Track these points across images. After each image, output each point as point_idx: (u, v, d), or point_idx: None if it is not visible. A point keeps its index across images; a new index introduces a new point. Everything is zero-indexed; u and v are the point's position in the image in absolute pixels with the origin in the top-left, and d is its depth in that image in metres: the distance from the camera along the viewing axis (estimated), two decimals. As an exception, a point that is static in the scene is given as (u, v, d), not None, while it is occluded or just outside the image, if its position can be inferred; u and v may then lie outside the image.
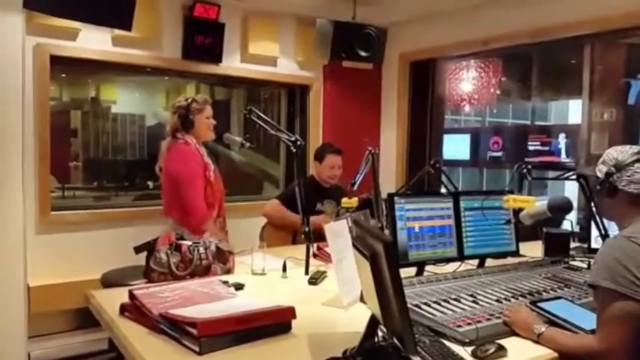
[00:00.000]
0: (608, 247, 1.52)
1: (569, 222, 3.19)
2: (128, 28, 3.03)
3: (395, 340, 1.35)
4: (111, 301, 1.85)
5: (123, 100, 4.48)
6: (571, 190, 3.42)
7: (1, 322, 3.08)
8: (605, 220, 2.28)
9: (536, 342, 1.56)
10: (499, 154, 4.45)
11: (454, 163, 4.98)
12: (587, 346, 1.46)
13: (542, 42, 3.81)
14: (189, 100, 2.99)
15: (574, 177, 2.28)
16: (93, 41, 3.62)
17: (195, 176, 2.88)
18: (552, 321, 1.63)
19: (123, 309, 1.77)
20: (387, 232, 2.32)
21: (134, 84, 4.51)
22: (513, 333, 1.62)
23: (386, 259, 1.25)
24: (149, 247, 2.28)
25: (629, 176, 1.53)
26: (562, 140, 4.00)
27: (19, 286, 3.17)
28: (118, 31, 3.54)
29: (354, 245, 1.47)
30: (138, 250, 2.30)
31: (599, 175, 1.60)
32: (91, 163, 4.17)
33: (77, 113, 4.16)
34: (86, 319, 2.03)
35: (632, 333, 1.40)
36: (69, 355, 3.51)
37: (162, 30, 3.86)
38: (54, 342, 3.54)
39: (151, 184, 4.27)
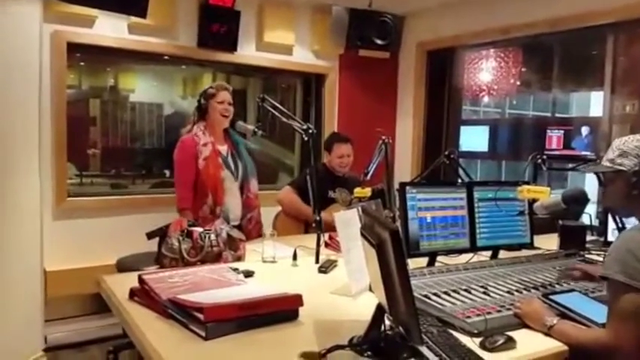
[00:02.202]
0: (622, 240, 1.48)
1: (588, 215, 3.13)
2: (143, 15, 3.04)
3: (401, 330, 1.33)
4: (121, 285, 1.87)
5: (141, 88, 4.50)
6: (591, 182, 3.35)
7: (18, 306, 3.13)
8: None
9: (547, 334, 1.53)
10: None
11: (472, 155, 4.92)
12: (598, 340, 1.43)
13: (563, 32, 3.72)
14: (207, 87, 3.02)
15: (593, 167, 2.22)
16: (109, 29, 3.64)
17: (180, 165, 2.93)
18: (564, 314, 1.61)
19: (132, 294, 1.78)
20: (398, 222, 2.30)
21: (152, 73, 4.53)
22: (524, 325, 1.60)
23: (392, 248, 1.23)
24: (161, 234, 2.30)
25: None
26: (585, 133, 3.92)
27: (35, 270, 3.22)
28: (134, 19, 3.55)
29: (362, 234, 1.45)
30: (150, 235, 2.31)
31: (627, 169, 1.53)
32: (109, 150, 4.21)
33: (96, 101, 4.19)
34: (101, 303, 2.05)
35: None
36: (85, 339, 3.57)
37: (177, 18, 3.87)
38: (70, 326, 3.60)
39: (167, 172, 4.31)
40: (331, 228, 2.28)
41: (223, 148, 3.05)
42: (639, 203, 1.58)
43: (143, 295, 1.74)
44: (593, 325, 1.54)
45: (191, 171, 2.90)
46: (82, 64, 4.01)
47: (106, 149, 4.18)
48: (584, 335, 1.49)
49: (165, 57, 4.03)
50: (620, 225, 2.22)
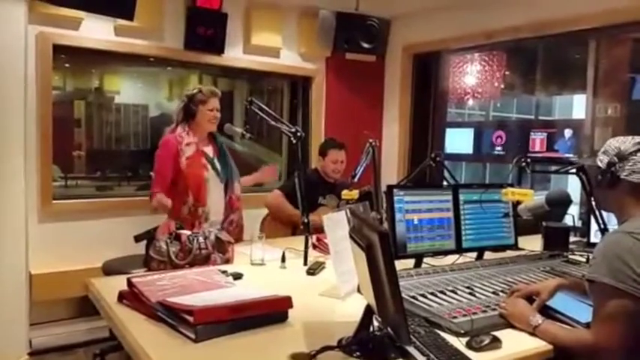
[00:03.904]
0: (608, 243, 1.49)
1: (571, 216, 3.19)
2: (130, 18, 3.03)
3: (389, 330, 1.35)
4: (110, 289, 1.87)
5: (126, 90, 4.47)
6: (574, 185, 3.41)
7: (2, 309, 3.10)
8: (604, 214, 2.28)
9: (532, 334, 1.56)
10: (501, 149, 4.44)
11: (457, 158, 4.97)
12: (582, 341, 1.46)
13: (546, 36, 3.79)
14: (196, 91, 3.00)
15: (574, 171, 2.27)
16: (96, 30, 3.62)
17: (159, 159, 2.91)
18: (549, 314, 1.64)
19: (121, 297, 1.78)
20: (386, 224, 2.32)
21: (137, 75, 4.51)
22: (509, 325, 1.62)
23: (381, 250, 1.25)
24: (149, 236, 2.30)
25: (631, 165, 1.52)
26: (568, 135, 3.98)
27: (20, 273, 3.19)
28: (120, 21, 3.54)
29: (350, 236, 1.47)
30: (138, 238, 2.31)
31: (601, 165, 1.58)
32: (94, 152, 4.18)
33: (81, 103, 4.16)
34: (87, 307, 2.05)
35: (629, 330, 1.39)
36: (70, 342, 3.54)
37: (164, 20, 3.86)
38: (55, 329, 3.56)
39: (153, 174, 4.29)
40: (319, 230, 2.30)
41: (208, 149, 3.04)
42: (610, 201, 1.61)
43: (132, 298, 1.74)
44: (578, 324, 1.58)
45: (169, 167, 2.88)
46: (67, 65, 3.98)
47: (91, 151, 4.15)
48: (568, 335, 1.51)
49: (151, 59, 4.01)
50: (602, 226, 2.27)
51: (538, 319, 1.57)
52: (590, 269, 1.49)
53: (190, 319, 1.47)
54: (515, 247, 2.51)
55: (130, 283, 1.77)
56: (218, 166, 3.03)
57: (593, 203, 2.23)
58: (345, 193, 2.86)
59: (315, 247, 2.64)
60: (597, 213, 2.30)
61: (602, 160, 1.59)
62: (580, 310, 1.63)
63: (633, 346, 1.40)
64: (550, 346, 1.51)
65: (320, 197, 3.48)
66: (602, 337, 1.41)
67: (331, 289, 1.93)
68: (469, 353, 1.42)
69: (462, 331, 1.53)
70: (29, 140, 3.30)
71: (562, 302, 1.71)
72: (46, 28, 3.45)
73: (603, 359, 1.42)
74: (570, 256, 2.45)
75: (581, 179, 2.28)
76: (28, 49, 3.24)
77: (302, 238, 2.49)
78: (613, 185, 1.56)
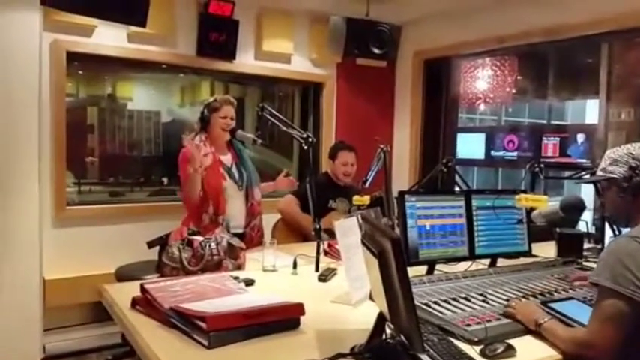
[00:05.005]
0: (612, 247, 1.53)
1: (585, 223, 3.15)
2: (143, 25, 3.06)
3: (402, 338, 1.35)
4: (123, 294, 1.88)
5: (139, 97, 4.51)
6: (587, 190, 3.38)
7: (17, 314, 3.13)
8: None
9: (537, 332, 1.57)
10: (514, 154, 4.41)
11: (469, 163, 4.95)
12: (577, 338, 1.47)
13: (558, 41, 3.76)
14: (212, 99, 3.03)
15: (588, 177, 2.25)
16: (109, 38, 3.66)
17: (181, 167, 2.90)
18: (561, 320, 1.62)
19: (134, 302, 1.79)
20: (397, 230, 2.31)
21: (150, 81, 4.55)
22: (522, 333, 1.61)
23: (394, 256, 1.25)
24: (162, 242, 2.31)
25: None
26: (580, 140, 3.95)
27: (35, 279, 3.22)
28: (133, 28, 3.58)
29: (362, 242, 1.47)
30: (150, 244, 2.32)
31: (617, 176, 1.58)
32: (107, 159, 4.21)
33: (94, 110, 4.20)
34: (100, 312, 2.06)
35: (622, 331, 1.40)
36: (83, 348, 3.56)
37: (176, 27, 3.89)
38: (69, 335, 3.59)
39: (165, 180, 4.32)
40: (330, 232, 2.29)
41: (226, 158, 3.06)
42: (633, 208, 1.61)
43: (145, 303, 1.75)
44: (580, 325, 1.56)
45: (188, 176, 2.90)
46: (80, 72, 4.02)
47: (104, 157, 4.19)
48: (565, 332, 1.52)
49: (164, 65, 4.05)
50: (617, 233, 2.24)
51: (545, 317, 1.58)
52: (594, 272, 1.52)
53: (203, 325, 1.48)
54: (528, 253, 2.49)
55: (143, 288, 1.78)
56: (236, 174, 3.05)
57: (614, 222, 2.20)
58: (357, 199, 2.85)
59: (326, 253, 2.63)
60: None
61: (614, 172, 1.58)
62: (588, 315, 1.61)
63: (628, 349, 1.40)
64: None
65: (330, 201, 3.47)
66: (596, 335, 1.42)
67: (343, 296, 1.93)
68: (483, 361, 1.42)
69: (476, 339, 1.52)
70: (43, 146, 3.34)
71: (574, 309, 1.69)
72: (60, 35, 3.50)
73: (593, 358, 1.42)
74: (584, 263, 2.42)
75: (595, 185, 2.26)
76: (42, 56, 3.28)
77: (313, 244, 2.49)
78: (636, 194, 1.56)
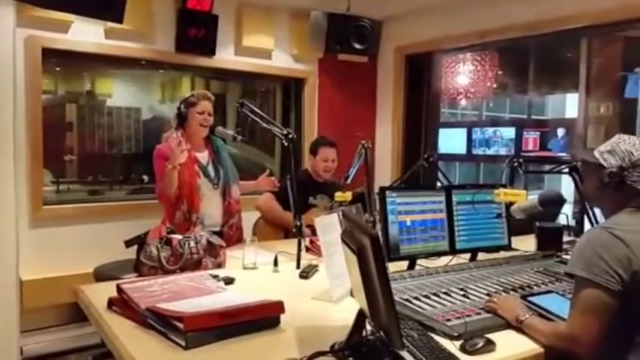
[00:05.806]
0: (586, 238, 1.54)
1: (565, 216, 3.18)
2: (120, 21, 2.99)
3: (382, 334, 1.34)
4: (99, 295, 1.84)
5: (118, 93, 4.45)
6: (567, 184, 3.40)
7: (-7, 316, 3.07)
8: (597, 212, 2.28)
9: (518, 328, 1.58)
10: (496, 148, 4.44)
11: (451, 158, 4.97)
12: (558, 332, 1.48)
13: (538, 35, 3.78)
14: (189, 94, 2.99)
15: (567, 170, 2.26)
16: (85, 34, 3.59)
17: (159, 171, 2.86)
18: (541, 314, 1.63)
19: (110, 303, 1.76)
20: (379, 226, 2.30)
21: (129, 77, 4.49)
22: (502, 327, 1.61)
23: (372, 254, 1.24)
24: (140, 241, 2.27)
25: (639, 174, 1.53)
26: (561, 134, 3.99)
27: (11, 280, 3.15)
28: (110, 24, 3.51)
29: (342, 240, 1.45)
30: (128, 243, 2.28)
31: (606, 164, 1.56)
32: (86, 156, 4.15)
33: (72, 107, 4.13)
34: (79, 313, 2.02)
35: (602, 322, 1.41)
36: (61, 349, 3.50)
37: (155, 22, 3.83)
38: (46, 336, 3.53)
39: (146, 177, 4.26)
40: (313, 228, 2.27)
41: (202, 156, 3.00)
42: (609, 201, 1.62)
43: (121, 304, 1.72)
44: (560, 320, 1.57)
45: (163, 172, 2.86)
46: (57, 68, 3.95)
47: (83, 155, 4.12)
48: (547, 327, 1.53)
49: (143, 61, 3.99)
50: (595, 224, 2.26)
51: (526, 314, 1.59)
52: (569, 263, 1.54)
53: (180, 325, 1.45)
54: (508, 247, 2.50)
55: (119, 289, 1.75)
56: (212, 172, 2.99)
57: (585, 196, 2.21)
58: (339, 195, 2.84)
59: (308, 249, 2.62)
60: (590, 212, 2.29)
61: (607, 160, 1.57)
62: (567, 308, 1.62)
63: (607, 338, 1.42)
64: (542, 349, 1.50)
65: (310, 197, 3.45)
66: (577, 327, 1.43)
67: (324, 293, 1.91)
68: (463, 356, 1.42)
69: (456, 334, 1.52)
70: (19, 145, 3.25)
71: (554, 303, 1.70)
72: (35, 31, 3.42)
73: (577, 350, 1.43)
74: (564, 256, 2.43)
75: (574, 179, 2.27)
76: (16, 52, 3.20)
77: (295, 241, 2.47)
78: (618, 188, 1.56)
